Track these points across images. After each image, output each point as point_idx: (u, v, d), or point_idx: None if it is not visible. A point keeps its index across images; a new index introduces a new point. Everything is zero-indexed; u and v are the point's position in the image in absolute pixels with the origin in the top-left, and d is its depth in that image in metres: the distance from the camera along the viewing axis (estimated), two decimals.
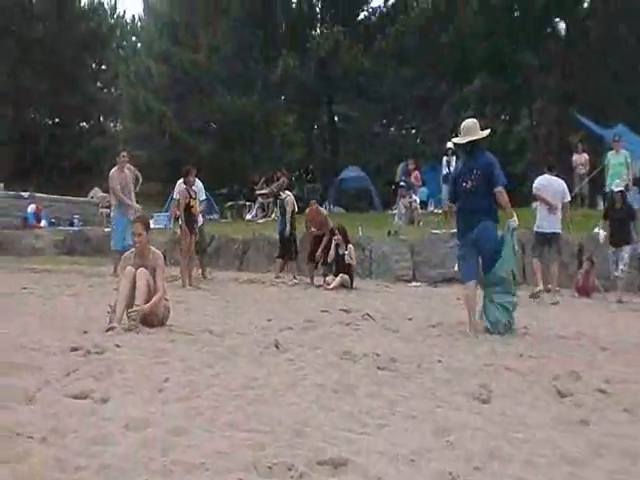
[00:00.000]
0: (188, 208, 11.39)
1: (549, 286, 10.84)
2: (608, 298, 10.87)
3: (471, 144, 6.94)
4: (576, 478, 3.04)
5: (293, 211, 12.94)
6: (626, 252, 10.75)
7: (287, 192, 13.71)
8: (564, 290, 11.24)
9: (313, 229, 12.63)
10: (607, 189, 14.30)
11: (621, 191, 11.21)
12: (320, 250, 12.19)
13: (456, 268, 7.70)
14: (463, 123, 7.19)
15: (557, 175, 11.21)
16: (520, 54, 23.57)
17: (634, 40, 22.81)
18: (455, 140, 7.30)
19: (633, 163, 14.58)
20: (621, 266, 10.72)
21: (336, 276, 11.65)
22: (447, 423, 3.63)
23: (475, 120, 7.16)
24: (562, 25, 26.16)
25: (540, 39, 25.03)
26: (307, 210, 12.96)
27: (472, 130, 6.97)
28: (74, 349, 5.02)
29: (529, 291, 10.64)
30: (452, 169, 17.73)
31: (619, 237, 10.80)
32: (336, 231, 11.96)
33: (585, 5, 25.63)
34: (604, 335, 6.94)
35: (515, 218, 6.92)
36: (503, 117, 29.56)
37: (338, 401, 3.99)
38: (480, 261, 7.01)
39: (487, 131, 7.14)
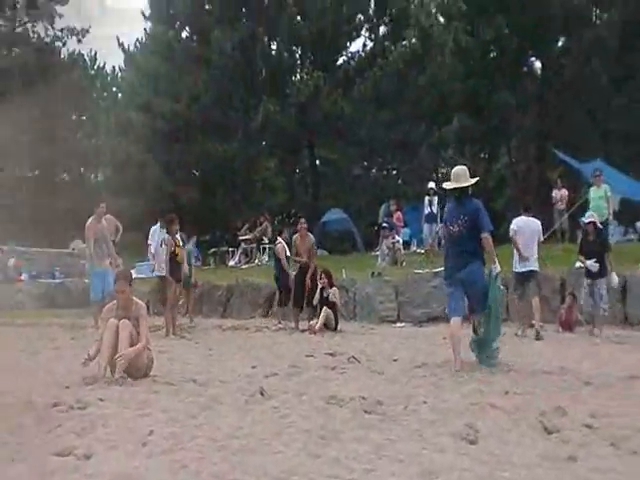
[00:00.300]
0: (173, 256, 11.38)
1: (532, 322, 10.86)
2: (591, 332, 10.88)
3: (459, 190, 7.19)
4: None
5: (287, 257, 12.80)
6: (603, 288, 10.75)
7: (279, 239, 13.50)
8: (547, 325, 11.25)
9: (298, 258, 12.43)
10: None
11: (591, 222, 11.19)
12: (307, 280, 12.09)
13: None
14: (453, 169, 7.48)
15: (533, 215, 11.36)
16: (497, 94, 24.01)
17: (606, 77, 23.35)
18: (444, 185, 7.51)
19: (612, 197, 14.76)
20: (602, 304, 10.71)
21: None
22: (433, 465, 3.62)
23: (465, 167, 7.43)
24: (538, 64, 26.71)
25: (517, 78, 25.53)
26: (295, 236, 12.69)
27: (461, 177, 7.23)
28: (56, 404, 4.96)
29: (512, 327, 10.72)
30: (434, 208, 18.00)
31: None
32: (322, 274, 11.95)
33: (560, 43, 26.23)
34: (587, 369, 6.96)
35: (497, 265, 7.14)
36: (482, 156, 29.99)
37: (324, 447, 3.96)
38: (467, 302, 7.22)
39: (475, 179, 7.42)
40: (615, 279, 10.93)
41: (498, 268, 7.14)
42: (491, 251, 7.08)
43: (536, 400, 5.27)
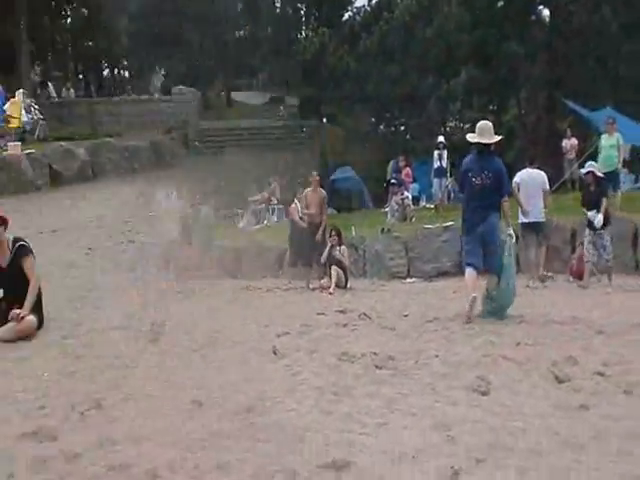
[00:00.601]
0: None
1: (542, 272, 10.82)
2: (602, 281, 10.81)
3: (483, 145, 7.34)
4: (578, 464, 3.05)
5: (300, 218, 12.69)
6: (606, 239, 10.63)
7: (294, 199, 13.36)
8: (558, 275, 11.22)
9: (307, 211, 12.16)
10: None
11: (590, 172, 10.92)
12: (318, 237, 11.92)
13: None
14: (479, 124, 7.60)
15: (538, 167, 11.34)
16: (505, 44, 23.62)
17: (616, 23, 22.86)
18: (468, 137, 7.65)
19: (624, 145, 14.52)
20: (605, 255, 10.61)
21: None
22: (446, 418, 3.65)
23: (490, 124, 7.59)
24: (546, 12, 26.22)
25: (525, 27, 25.07)
26: (307, 190, 12.34)
27: (486, 132, 7.39)
28: None
29: (523, 279, 10.67)
30: (444, 163, 17.83)
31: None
32: (332, 232, 11.91)
33: None
34: (599, 318, 6.94)
35: (512, 232, 7.42)
36: (491, 107, 29.64)
37: (337, 403, 3.99)
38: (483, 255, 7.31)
39: (499, 137, 7.62)
40: (599, 218, 10.59)
41: (513, 237, 7.40)
42: (508, 215, 7.52)
43: (547, 350, 5.28)
